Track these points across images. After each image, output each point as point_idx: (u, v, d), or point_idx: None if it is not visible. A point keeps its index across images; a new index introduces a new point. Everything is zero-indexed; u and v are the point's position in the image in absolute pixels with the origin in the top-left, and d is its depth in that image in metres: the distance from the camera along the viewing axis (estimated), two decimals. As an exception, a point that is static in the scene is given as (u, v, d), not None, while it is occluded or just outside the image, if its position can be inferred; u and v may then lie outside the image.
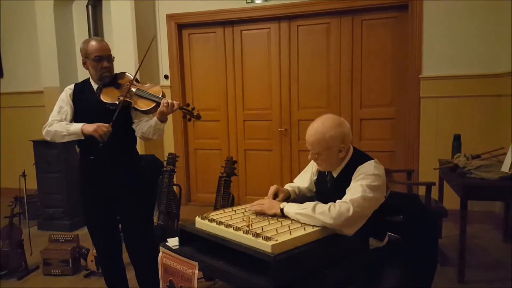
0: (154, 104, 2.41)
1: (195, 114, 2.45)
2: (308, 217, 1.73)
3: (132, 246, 2.64)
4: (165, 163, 3.59)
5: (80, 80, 5.18)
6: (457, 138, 3.54)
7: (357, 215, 1.72)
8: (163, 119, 2.41)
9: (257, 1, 4.59)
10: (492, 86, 3.93)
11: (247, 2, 4.62)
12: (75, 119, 2.47)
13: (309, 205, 1.77)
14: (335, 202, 1.75)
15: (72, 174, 4.41)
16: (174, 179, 3.67)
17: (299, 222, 1.76)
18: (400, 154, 4.39)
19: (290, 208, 1.83)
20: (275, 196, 2.08)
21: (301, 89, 4.66)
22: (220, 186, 3.36)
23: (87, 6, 4.92)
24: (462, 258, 2.93)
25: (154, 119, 2.43)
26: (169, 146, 5.06)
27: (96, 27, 4.96)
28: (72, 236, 3.49)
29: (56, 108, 2.49)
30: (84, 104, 2.46)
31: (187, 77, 5.04)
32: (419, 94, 4.17)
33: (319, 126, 1.89)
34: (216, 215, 1.88)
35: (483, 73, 3.96)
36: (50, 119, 2.45)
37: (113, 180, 2.50)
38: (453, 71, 4.07)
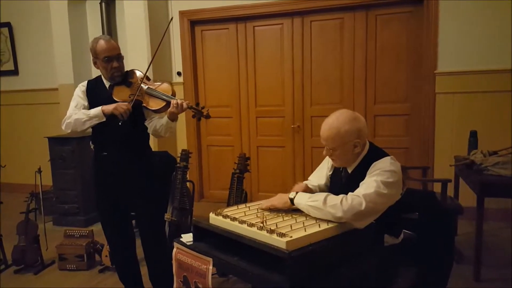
0: (164, 103, 2.43)
1: (204, 113, 2.45)
2: (318, 210, 1.71)
3: (145, 242, 2.65)
4: (178, 159, 3.60)
5: (93, 77, 5.29)
6: (473, 135, 3.48)
7: (369, 210, 1.69)
8: (173, 118, 2.42)
9: (269, -3, 4.57)
10: (509, 81, 3.85)
11: (259, -2, 4.60)
12: None
13: (320, 197, 1.74)
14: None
15: (86, 170, 4.46)
16: (187, 176, 3.68)
17: (311, 216, 1.74)
18: (415, 151, 4.34)
19: (301, 199, 1.80)
20: None
21: (314, 85, 4.63)
22: (233, 183, 3.35)
23: (100, 3, 4.95)
24: (478, 256, 2.89)
25: (165, 118, 2.45)
26: (182, 142, 5.08)
27: (109, 25, 4.98)
28: (87, 231, 3.53)
29: (72, 103, 2.51)
30: (97, 102, 2.48)
31: (199, 74, 5.05)
32: (434, 90, 4.11)
33: (334, 121, 1.86)
34: (230, 211, 1.87)
35: (500, 68, 3.88)
36: (68, 114, 2.48)
37: (126, 176, 2.52)
38: (469, 66, 3.99)
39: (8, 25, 5.63)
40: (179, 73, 5.00)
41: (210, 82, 5.03)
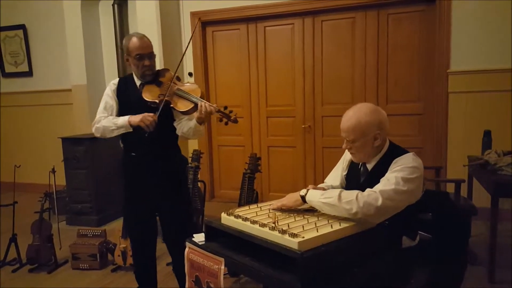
0: (192, 105, 2.39)
1: (232, 118, 2.36)
2: (332, 207, 1.68)
3: (170, 237, 2.66)
4: (190, 159, 3.61)
5: (106, 77, 5.38)
6: (487, 134, 3.43)
7: (387, 206, 1.65)
8: (201, 121, 2.38)
9: (280, -3, 4.56)
10: (523, 80, 3.80)
11: (270, -2, 4.60)
12: (120, 114, 2.51)
13: (333, 193, 1.70)
14: None
15: (99, 170, 4.52)
16: (199, 176, 3.70)
17: (323, 216, 1.72)
18: (428, 151, 4.30)
19: (313, 196, 1.76)
20: None
21: (325, 85, 4.62)
22: (244, 183, 3.36)
23: (113, 5, 5.00)
24: (492, 258, 2.85)
25: (193, 121, 2.41)
26: (193, 142, 5.09)
27: (122, 26, 5.03)
28: (100, 231, 3.57)
29: (102, 104, 2.54)
30: (127, 100, 2.50)
31: (210, 74, 5.07)
32: (447, 89, 4.06)
33: (355, 112, 1.82)
34: (242, 211, 1.88)
35: (514, 67, 3.83)
36: (97, 116, 2.50)
37: (153, 176, 2.53)
38: (482, 65, 3.94)
39: (22, 27, 5.71)
40: (190, 74, 5.02)
41: (221, 82, 5.05)
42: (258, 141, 4.98)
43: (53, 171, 3.75)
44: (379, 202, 1.64)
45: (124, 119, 2.41)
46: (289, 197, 1.87)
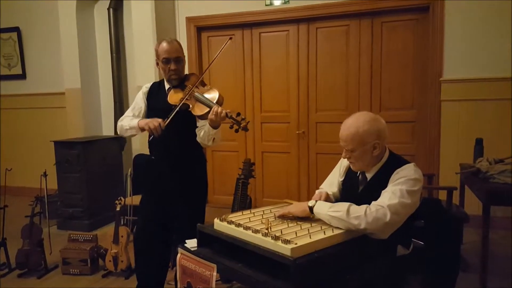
0: (207, 110, 2.32)
1: (242, 125, 2.24)
2: (341, 221, 1.66)
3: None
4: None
5: (100, 82, 5.37)
6: (479, 142, 3.46)
7: (394, 221, 1.65)
8: (214, 125, 2.33)
9: (276, 4, 4.59)
10: (515, 89, 3.84)
11: (266, 5, 4.62)
12: (148, 117, 2.52)
13: (342, 207, 1.68)
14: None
15: (92, 174, 4.49)
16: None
17: (316, 223, 1.72)
18: (420, 158, 4.32)
19: (321, 208, 1.74)
20: None
21: (319, 92, 4.63)
22: (237, 188, 3.36)
23: (108, 9, 4.99)
24: (484, 265, 2.86)
25: (207, 125, 2.38)
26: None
27: (117, 30, 5.03)
28: (91, 236, 3.53)
29: (132, 105, 2.61)
30: (155, 104, 2.53)
31: (205, 79, 5.01)
32: (440, 97, 4.10)
33: (354, 121, 1.82)
34: (235, 217, 1.87)
35: (505, 76, 3.86)
36: (124, 115, 2.57)
37: (172, 181, 2.53)
38: (475, 73, 3.98)
39: (17, 29, 5.68)
40: (185, 79, 5.01)
41: (216, 87, 4.97)
42: (252, 146, 4.98)
43: (45, 174, 3.72)
44: (388, 217, 1.63)
45: (135, 121, 2.46)
46: (297, 206, 1.84)
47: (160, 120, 2.34)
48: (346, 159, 1.95)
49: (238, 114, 2.28)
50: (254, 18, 4.68)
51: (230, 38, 2.79)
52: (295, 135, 4.77)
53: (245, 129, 2.26)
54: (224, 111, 2.26)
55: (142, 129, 2.41)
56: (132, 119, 2.51)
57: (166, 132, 2.37)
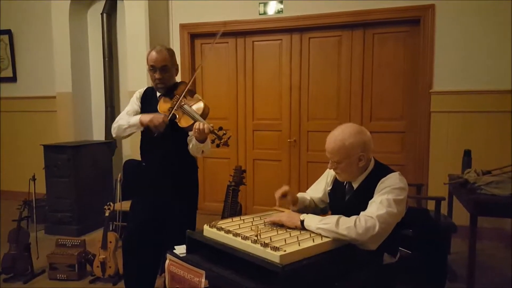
0: (192, 122, 2.32)
1: (223, 141, 2.22)
2: (331, 233, 1.67)
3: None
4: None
5: (92, 86, 5.35)
6: (467, 154, 3.50)
7: (382, 231, 1.67)
8: (199, 140, 2.33)
9: (269, 13, 4.63)
10: (503, 101, 3.90)
11: (259, 14, 4.66)
12: None
13: (332, 219, 1.70)
14: (352, 215, 1.70)
15: (81, 179, 4.45)
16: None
17: (314, 232, 1.73)
18: (410, 168, 4.36)
19: (311, 222, 1.75)
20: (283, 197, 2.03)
21: (311, 101, 4.67)
22: (228, 195, 3.36)
23: (102, 14, 4.99)
24: (471, 275, 2.88)
25: (194, 138, 2.38)
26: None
27: (110, 36, 5.02)
28: (79, 241, 3.49)
29: (127, 107, 2.60)
30: (147, 110, 2.52)
31: (198, 86, 5.08)
32: (430, 109, 4.15)
33: (339, 134, 1.86)
34: (225, 223, 1.87)
35: (494, 89, 3.94)
36: (117, 117, 2.56)
37: (160, 190, 2.53)
38: (464, 86, 4.05)
39: (8, 32, 5.65)
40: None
41: (209, 94, 5.05)
42: (243, 154, 4.99)
43: (33, 178, 3.68)
44: (377, 228, 1.66)
45: (136, 118, 2.44)
46: (288, 217, 1.83)
47: (162, 115, 2.34)
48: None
49: (220, 129, 2.27)
50: (248, 26, 4.71)
51: (222, 32, 2.76)
52: (287, 143, 4.79)
53: (226, 144, 2.24)
54: (207, 127, 2.24)
55: (144, 126, 2.40)
56: (129, 117, 2.50)
57: (157, 141, 2.38)
